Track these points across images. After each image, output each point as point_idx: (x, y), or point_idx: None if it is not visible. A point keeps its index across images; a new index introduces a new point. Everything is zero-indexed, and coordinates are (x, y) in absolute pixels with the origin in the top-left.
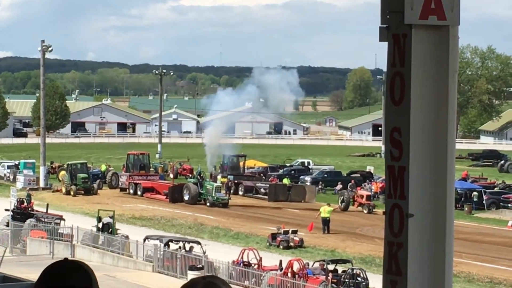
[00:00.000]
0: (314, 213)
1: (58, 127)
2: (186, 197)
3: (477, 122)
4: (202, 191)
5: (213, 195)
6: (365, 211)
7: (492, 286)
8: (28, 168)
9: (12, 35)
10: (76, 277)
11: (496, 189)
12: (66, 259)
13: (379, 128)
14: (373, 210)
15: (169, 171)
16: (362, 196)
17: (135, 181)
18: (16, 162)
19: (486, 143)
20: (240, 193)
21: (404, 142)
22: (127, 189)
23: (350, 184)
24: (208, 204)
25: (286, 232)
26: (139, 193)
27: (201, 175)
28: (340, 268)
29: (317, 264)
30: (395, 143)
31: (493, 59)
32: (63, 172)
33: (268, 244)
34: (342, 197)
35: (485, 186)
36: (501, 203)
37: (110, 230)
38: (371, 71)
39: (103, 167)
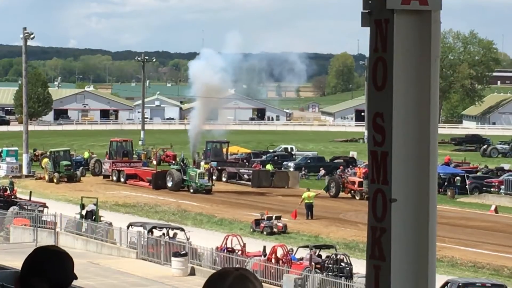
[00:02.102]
0: (297, 199)
1: (41, 115)
2: (169, 184)
3: (459, 107)
4: (185, 178)
5: (197, 181)
6: (357, 197)
7: (475, 270)
8: (11, 155)
9: None
10: (53, 263)
11: (479, 174)
12: (41, 246)
13: (362, 114)
14: (366, 196)
15: (152, 158)
16: (354, 183)
17: (118, 168)
18: None
19: (469, 127)
20: (224, 179)
21: (386, 127)
22: (110, 176)
23: (339, 170)
24: (191, 190)
25: (269, 218)
26: (122, 180)
27: (184, 162)
28: (324, 254)
29: (301, 250)
30: (378, 128)
31: (475, 43)
32: (46, 160)
33: (251, 230)
34: (332, 183)
35: (468, 171)
36: (484, 188)
37: (93, 217)
38: (353, 56)
39: (86, 154)
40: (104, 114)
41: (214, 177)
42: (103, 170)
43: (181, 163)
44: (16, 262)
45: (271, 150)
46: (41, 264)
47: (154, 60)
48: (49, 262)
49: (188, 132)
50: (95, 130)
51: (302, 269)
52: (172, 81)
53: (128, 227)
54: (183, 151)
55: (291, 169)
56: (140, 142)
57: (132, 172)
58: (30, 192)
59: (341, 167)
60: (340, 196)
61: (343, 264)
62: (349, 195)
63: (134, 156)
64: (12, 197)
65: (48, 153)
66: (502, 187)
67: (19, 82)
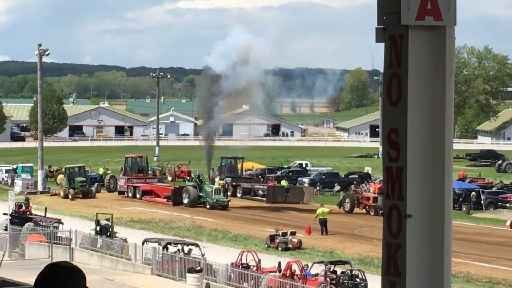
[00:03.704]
0: (312, 215)
1: (56, 131)
2: (185, 201)
3: (474, 122)
4: (201, 194)
5: (213, 197)
6: (372, 213)
7: (491, 286)
8: (26, 172)
9: (9, 39)
10: (66, 279)
11: (494, 189)
12: (60, 262)
13: (377, 129)
14: (381, 212)
15: (167, 174)
16: (368, 198)
17: (133, 184)
18: (14, 166)
19: (484, 143)
20: (238, 195)
21: (401, 143)
22: (126, 192)
23: (353, 185)
24: (208, 206)
25: (284, 234)
26: (138, 196)
27: (200, 178)
28: (339, 269)
29: (316, 265)
30: (392, 144)
31: (490, 59)
32: (61, 176)
33: (266, 246)
34: (347, 199)
35: (483, 186)
36: (499, 203)
37: (108, 233)
38: (368, 72)
39: (101, 171)
40: (119, 130)
41: (228, 193)
42: (118, 186)
43: (197, 179)
44: (31, 279)
45: (285, 166)
46: (54, 279)
47: (169, 76)
48: (61, 278)
49: (203, 148)
50: (110, 146)
51: (317, 285)
52: (187, 97)
53: (143, 243)
54: (198, 167)
55: (306, 185)
56: (155, 158)
57: (148, 188)
58: (45, 208)
59: (356, 182)
60: (355, 211)
61: (358, 280)
62: (364, 210)
63: (149, 172)
64: (27, 213)
65: (63, 169)
66: None
67: (34, 98)
